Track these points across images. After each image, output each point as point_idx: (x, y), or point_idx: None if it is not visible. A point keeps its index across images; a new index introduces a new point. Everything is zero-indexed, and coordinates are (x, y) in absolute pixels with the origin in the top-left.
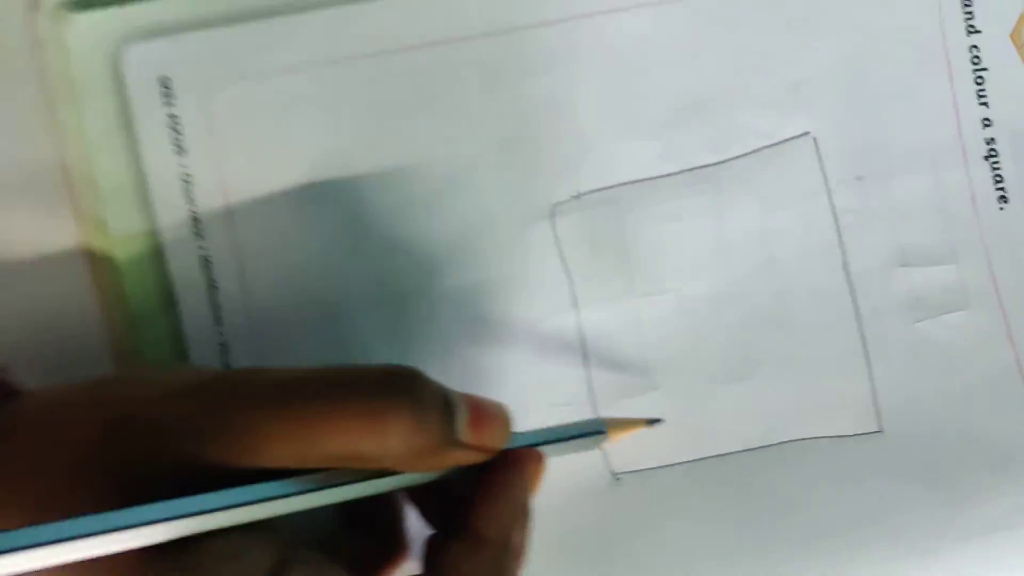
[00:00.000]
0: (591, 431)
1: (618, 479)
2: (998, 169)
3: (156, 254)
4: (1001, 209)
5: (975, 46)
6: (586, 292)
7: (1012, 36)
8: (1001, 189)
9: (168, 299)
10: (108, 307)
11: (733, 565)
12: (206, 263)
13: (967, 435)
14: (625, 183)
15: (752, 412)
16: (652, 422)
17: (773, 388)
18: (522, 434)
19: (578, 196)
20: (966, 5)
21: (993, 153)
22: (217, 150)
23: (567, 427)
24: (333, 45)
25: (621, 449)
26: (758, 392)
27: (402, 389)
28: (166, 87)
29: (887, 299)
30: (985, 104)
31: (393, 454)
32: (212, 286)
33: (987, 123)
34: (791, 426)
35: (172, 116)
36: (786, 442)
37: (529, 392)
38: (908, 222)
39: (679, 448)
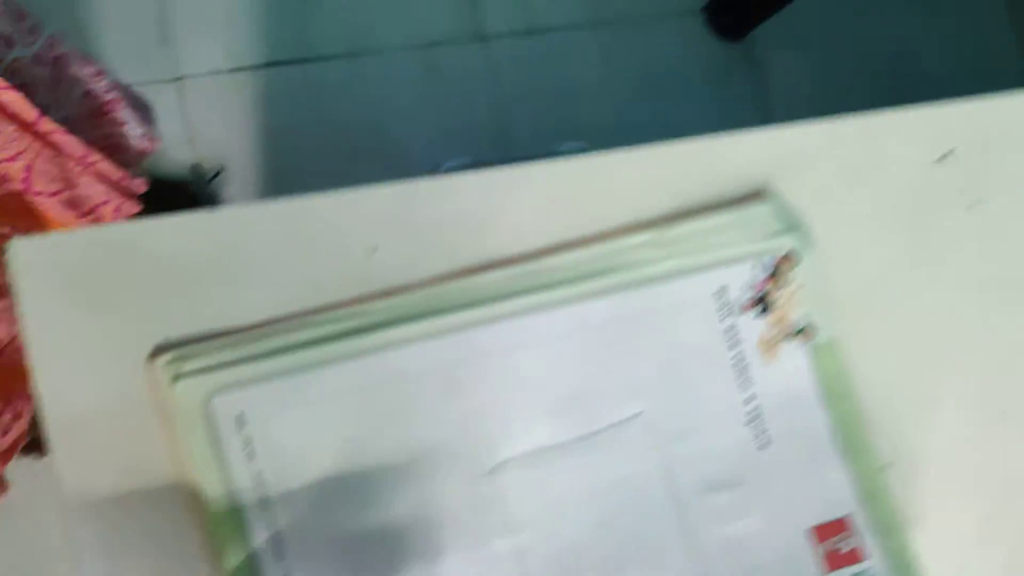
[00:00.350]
0: None
1: None
2: (758, 427)
3: (240, 520)
4: (761, 452)
5: (737, 354)
6: (515, 525)
7: (758, 346)
8: (760, 439)
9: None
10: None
11: None
12: (270, 516)
13: None
14: (531, 450)
15: None
16: None
17: None
18: None
19: (505, 462)
20: (730, 329)
21: (754, 417)
22: (271, 453)
23: None
24: (346, 382)
25: None
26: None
27: None
28: (240, 420)
29: (702, 513)
30: (747, 388)
31: None
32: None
33: (747, 400)
34: None
35: (246, 436)
36: None
37: None
38: (706, 464)
39: None
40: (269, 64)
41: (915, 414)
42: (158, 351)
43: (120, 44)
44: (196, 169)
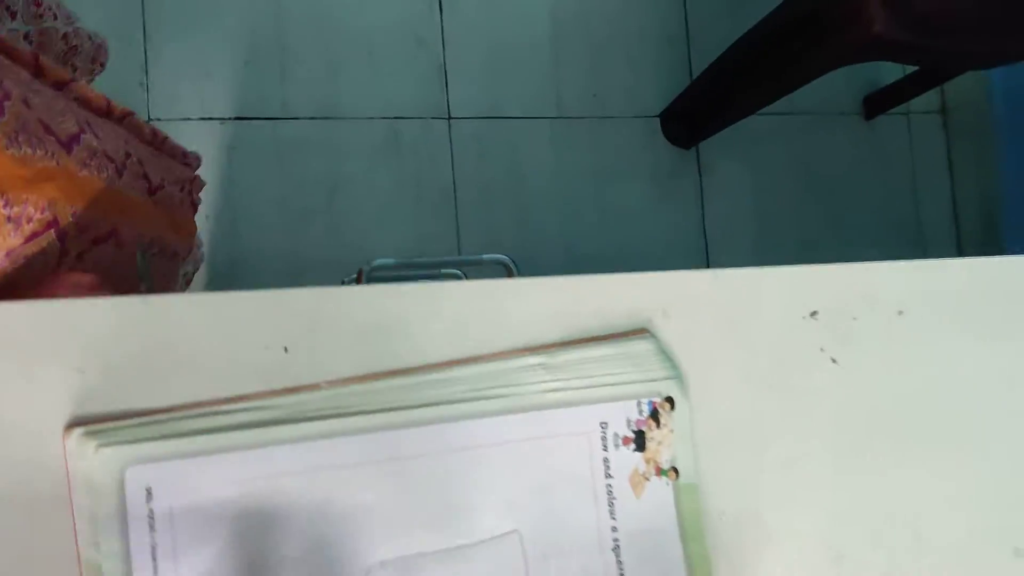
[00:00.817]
0: None
1: None
2: (619, 556)
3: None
4: None
5: (609, 485)
6: None
7: (629, 479)
8: (621, 568)
9: None
10: None
11: None
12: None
13: None
14: (408, 555)
15: None
16: None
17: None
18: None
19: (381, 563)
20: (605, 461)
21: (617, 546)
22: (171, 529)
23: None
24: (241, 472)
25: None
26: None
27: None
28: (148, 491)
29: None
30: (614, 518)
31: None
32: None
33: (614, 529)
34: None
35: (151, 509)
36: None
37: None
38: None
39: None
40: (238, 118)
41: (753, 549)
42: (73, 423)
43: (102, 82)
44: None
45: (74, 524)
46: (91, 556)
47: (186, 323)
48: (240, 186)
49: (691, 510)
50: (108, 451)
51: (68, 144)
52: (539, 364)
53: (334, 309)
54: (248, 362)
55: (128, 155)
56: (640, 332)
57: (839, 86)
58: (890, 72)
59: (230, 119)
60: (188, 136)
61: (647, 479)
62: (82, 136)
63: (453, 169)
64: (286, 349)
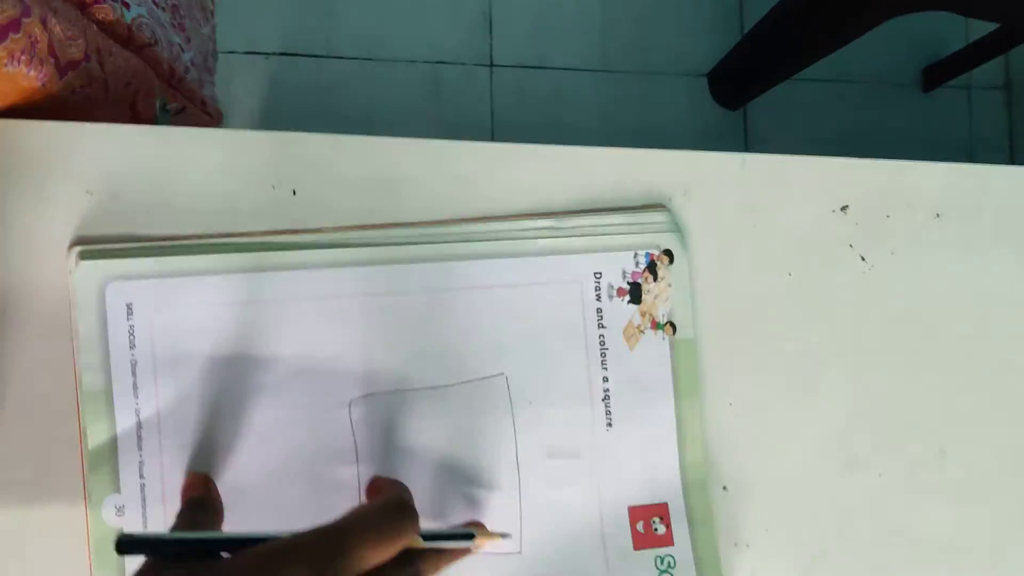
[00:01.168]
0: (466, 535)
1: None
2: (608, 406)
3: (109, 404)
4: (607, 430)
5: (602, 336)
6: (364, 455)
7: (623, 331)
8: (609, 418)
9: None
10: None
11: None
12: (136, 402)
13: (569, 557)
14: (393, 390)
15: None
16: (503, 535)
17: (463, 519)
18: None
19: (366, 396)
20: (599, 311)
21: (607, 397)
22: (151, 346)
23: (451, 530)
24: (232, 295)
25: None
26: (457, 523)
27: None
28: (129, 307)
29: (537, 475)
30: (605, 368)
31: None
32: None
33: (605, 380)
34: None
35: (131, 326)
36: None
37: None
38: (555, 431)
39: None
40: (283, 54)
41: (759, 441)
42: (74, 243)
43: None
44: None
45: (73, 340)
46: (80, 370)
47: (198, 156)
48: (278, 122)
49: (687, 366)
50: (88, 264)
51: (64, 70)
52: (547, 226)
53: (347, 158)
54: (255, 200)
55: (136, 91)
56: (657, 207)
57: (899, 55)
58: (955, 42)
59: (275, 54)
60: (233, 69)
61: (642, 332)
62: (83, 64)
63: (492, 116)
64: (294, 192)
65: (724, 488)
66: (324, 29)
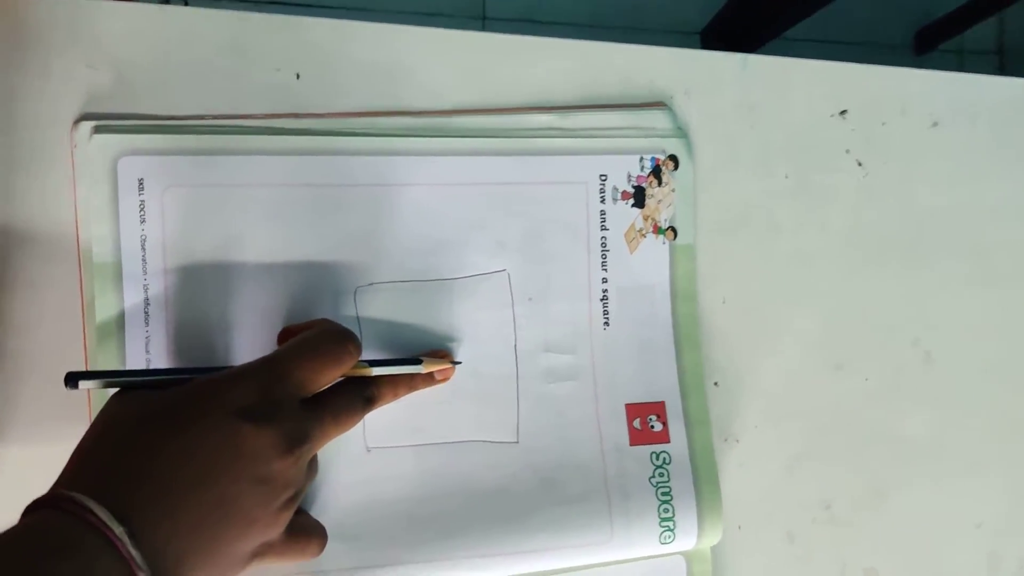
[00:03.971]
0: (414, 361)
1: (369, 451)
2: (606, 306)
3: (118, 277)
4: (604, 329)
5: (604, 238)
6: (368, 342)
7: (625, 234)
8: (607, 317)
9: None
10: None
11: (434, 513)
12: (144, 278)
13: (565, 449)
14: (398, 281)
15: (451, 422)
16: (455, 363)
17: (463, 410)
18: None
19: (371, 284)
20: (602, 214)
21: (605, 296)
22: (162, 222)
23: (401, 359)
24: (242, 176)
25: (373, 431)
26: (456, 411)
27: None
28: (140, 183)
29: (535, 368)
30: (605, 269)
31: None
32: (145, 290)
33: (604, 280)
34: (471, 432)
35: (142, 201)
36: (468, 441)
37: None
38: (553, 327)
39: (408, 436)
40: (271, 2)
41: (751, 340)
42: (81, 118)
43: None
44: None
45: (76, 213)
46: (85, 242)
47: (202, 36)
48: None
49: (685, 271)
50: (102, 138)
51: None
52: (550, 121)
53: (352, 44)
54: (258, 83)
55: None
56: (657, 104)
57: (891, 16)
58: (948, 3)
59: (261, 1)
60: None
61: (643, 236)
62: None
63: None
64: (298, 76)
65: (715, 384)
66: None
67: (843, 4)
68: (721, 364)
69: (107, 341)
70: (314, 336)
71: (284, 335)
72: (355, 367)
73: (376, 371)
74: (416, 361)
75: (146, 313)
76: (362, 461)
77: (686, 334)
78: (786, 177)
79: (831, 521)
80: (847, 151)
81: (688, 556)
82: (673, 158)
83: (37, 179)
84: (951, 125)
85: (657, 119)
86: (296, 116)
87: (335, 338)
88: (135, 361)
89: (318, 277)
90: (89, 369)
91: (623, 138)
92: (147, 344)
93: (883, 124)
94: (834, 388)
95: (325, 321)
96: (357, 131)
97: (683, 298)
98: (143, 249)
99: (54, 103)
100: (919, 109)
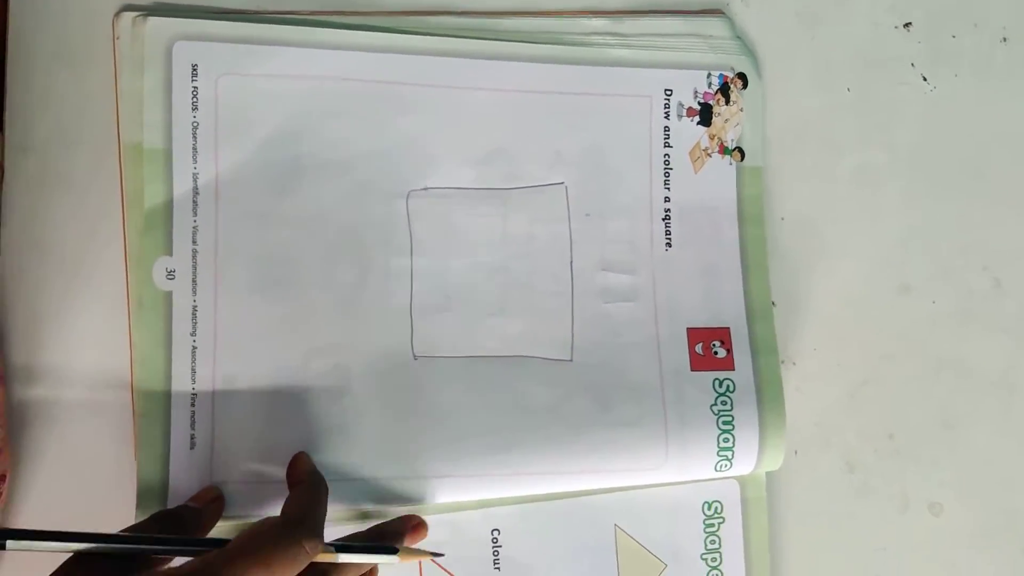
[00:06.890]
0: (389, 550)
1: (416, 358)
2: (669, 226)
3: (168, 163)
4: (666, 250)
5: (667, 155)
6: (419, 247)
7: (689, 153)
8: (668, 238)
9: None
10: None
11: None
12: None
13: (621, 370)
14: (452, 187)
15: (503, 335)
16: (435, 555)
17: (516, 324)
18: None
19: (425, 189)
20: (666, 130)
21: (668, 216)
22: (215, 110)
23: (374, 546)
24: (298, 68)
25: (421, 338)
26: (508, 324)
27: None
28: (194, 68)
29: (591, 286)
30: (668, 188)
31: None
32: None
33: (667, 199)
34: (524, 347)
35: (195, 87)
36: (519, 356)
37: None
38: (611, 246)
39: (458, 347)
40: None
41: (809, 260)
42: (124, 8)
43: None
44: None
45: (117, 112)
46: (131, 135)
47: None
48: None
49: (753, 194)
50: (157, 21)
51: None
52: (604, 26)
53: None
54: None
55: None
56: (715, 12)
57: None
58: None
59: None
60: None
61: (709, 155)
62: None
63: None
64: None
65: (773, 304)
66: None
67: None
68: (780, 284)
69: (154, 229)
70: (267, 532)
71: (292, 469)
72: (321, 552)
73: (343, 558)
74: (391, 550)
75: (195, 203)
76: (407, 368)
77: (753, 258)
78: (848, 91)
79: (895, 452)
80: (912, 64)
81: (742, 480)
82: (742, 76)
83: (82, 70)
84: (1022, 41)
85: (715, 27)
86: (344, 13)
87: (291, 534)
88: (182, 251)
89: (371, 176)
90: (21, 528)
91: (686, 51)
92: (194, 235)
93: (952, 37)
94: (898, 312)
95: (301, 494)
96: (406, 28)
97: (751, 221)
98: (194, 137)
99: None
100: (989, 23)
